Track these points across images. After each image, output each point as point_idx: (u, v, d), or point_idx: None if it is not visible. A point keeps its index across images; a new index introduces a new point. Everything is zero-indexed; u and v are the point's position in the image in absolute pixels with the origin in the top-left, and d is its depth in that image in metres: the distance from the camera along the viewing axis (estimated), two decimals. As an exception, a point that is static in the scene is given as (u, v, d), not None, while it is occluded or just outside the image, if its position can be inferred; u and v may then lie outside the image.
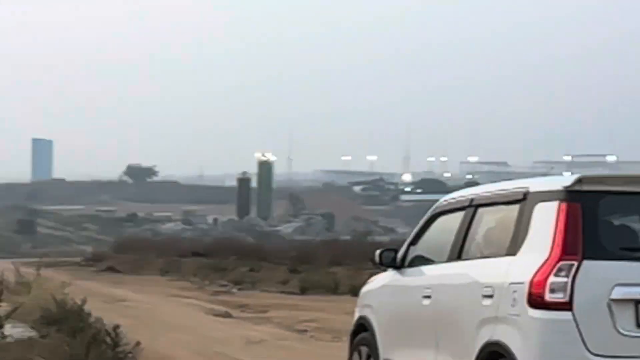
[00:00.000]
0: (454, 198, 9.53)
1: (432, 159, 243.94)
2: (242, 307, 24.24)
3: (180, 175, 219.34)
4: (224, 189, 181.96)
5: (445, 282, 8.86)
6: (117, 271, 47.71)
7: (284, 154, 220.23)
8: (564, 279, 7.50)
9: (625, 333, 7.50)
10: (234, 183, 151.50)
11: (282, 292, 30.43)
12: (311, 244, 52.11)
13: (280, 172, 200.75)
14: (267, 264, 42.17)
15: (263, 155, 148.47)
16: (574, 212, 7.65)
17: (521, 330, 7.63)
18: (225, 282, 36.21)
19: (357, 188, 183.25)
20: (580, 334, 7.45)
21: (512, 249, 8.06)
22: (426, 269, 9.45)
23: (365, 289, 10.75)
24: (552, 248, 7.63)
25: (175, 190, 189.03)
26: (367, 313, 10.35)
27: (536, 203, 7.99)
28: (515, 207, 8.22)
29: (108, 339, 9.69)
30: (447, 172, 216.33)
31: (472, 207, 8.97)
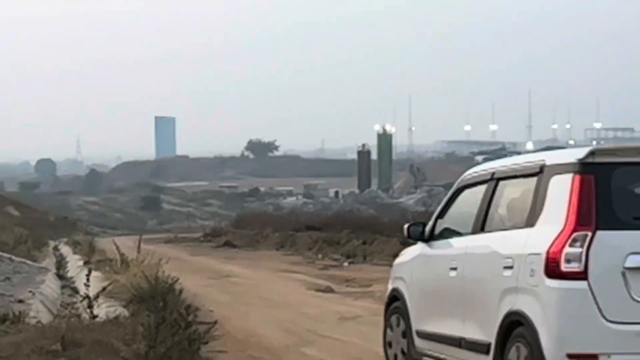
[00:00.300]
0: (477, 172, 9.83)
1: (556, 126, 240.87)
2: (348, 281, 23.90)
3: (301, 149, 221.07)
4: (345, 162, 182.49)
5: (469, 254, 9.20)
6: (234, 246, 47.84)
7: (405, 126, 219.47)
8: (579, 249, 7.79)
9: None
10: (355, 156, 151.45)
11: (392, 265, 29.99)
12: (426, 215, 51.49)
13: (401, 143, 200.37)
14: (382, 237, 41.76)
15: (382, 127, 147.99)
16: (588, 184, 7.92)
17: (539, 299, 7.91)
18: (337, 256, 36.02)
19: (479, 158, 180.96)
20: (596, 302, 7.73)
21: (530, 221, 8.35)
22: (452, 241, 9.76)
23: (397, 261, 11.25)
24: (566, 219, 7.91)
25: (296, 164, 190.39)
26: (399, 285, 10.77)
27: (552, 176, 8.27)
28: (533, 180, 8.51)
29: (180, 319, 9.51)
30: (572, 139, 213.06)
31: (494, 180, 9.29)
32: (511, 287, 8.25)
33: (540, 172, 8.43)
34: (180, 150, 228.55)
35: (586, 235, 7.79)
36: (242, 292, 21.46)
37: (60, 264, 32.96)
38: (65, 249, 45.00)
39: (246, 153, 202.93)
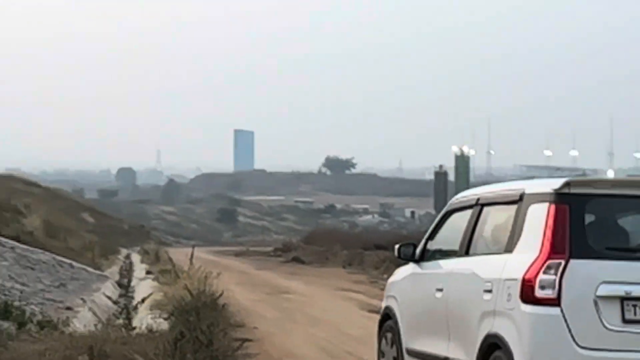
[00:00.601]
0: (464, 196, 10.14)
1: (639, 154, 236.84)
2: (405, 303, 23.54)
3: (378, 167, 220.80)
4: (423, 182, 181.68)
5: (454, 277, 9.48)
6: (302, 262, 47.65)
7: (484, 148, 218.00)
8: (553, 277, 8.06)
9: (612, 328, 8.02)
10: (432, 176, 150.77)
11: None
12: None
13: (479, 166, 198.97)
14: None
15: (460, 148, 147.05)
16: (562, 213, 8.22)
17: (515, 323, 8.19)
18: (403, 277, 35.65)
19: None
20: (569, 328, 7.98)
21: (509, 247, 8.63)
22: (440, 263, 10.04)
23: (390, 280, 11.48)
24: (542, 247, 8.18)
25: (373, 183, 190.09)
26: (391, 303, 11.04)
27: (530, 204, 8.57)
28: (513, 208, 8.77)
29: (201, 336, 9.28)
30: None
31: (478, 206, 9.59)
32: (490, 310, 8.54)
33: (520, 200, 8.74)
34: (258, 164, 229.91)
35: (560, 263, 8.07)
36: (292, 309, 21.21)
37: (124, 272, 33.04)
38: (136, 258, 45.30)
39: (323, 169, 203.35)
